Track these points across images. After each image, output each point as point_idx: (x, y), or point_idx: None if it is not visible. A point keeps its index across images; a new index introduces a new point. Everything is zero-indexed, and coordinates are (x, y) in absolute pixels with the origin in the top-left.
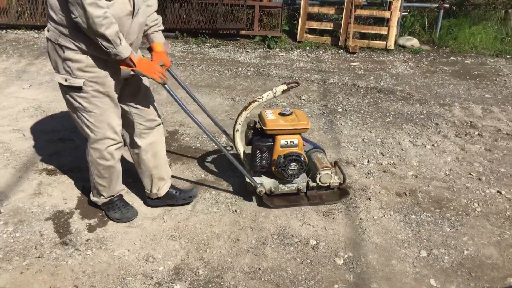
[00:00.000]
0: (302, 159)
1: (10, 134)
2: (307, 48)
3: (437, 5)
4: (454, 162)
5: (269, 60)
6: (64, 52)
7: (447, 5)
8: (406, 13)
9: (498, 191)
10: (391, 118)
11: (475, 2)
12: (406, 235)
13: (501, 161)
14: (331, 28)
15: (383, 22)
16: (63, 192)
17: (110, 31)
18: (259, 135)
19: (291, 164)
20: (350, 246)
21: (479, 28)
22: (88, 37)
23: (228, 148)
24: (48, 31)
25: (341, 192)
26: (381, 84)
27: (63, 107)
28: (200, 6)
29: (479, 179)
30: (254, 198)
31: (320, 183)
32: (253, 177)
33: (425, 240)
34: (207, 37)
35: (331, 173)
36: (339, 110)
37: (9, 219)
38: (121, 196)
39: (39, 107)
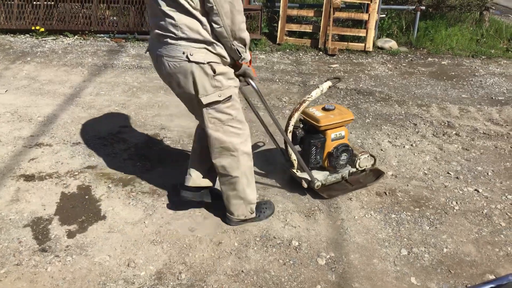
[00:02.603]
0: (350, 148)
1: None
2: (287, 50)
3: (414, 7)
4: (432, 161)
5: None
6: (214, 68)
7: (424, 7)
8: (384, 16)
9: (475, 189)
10: (370, 119)
11: (450, 4)
12: (387, 234)
13: (478, 160)
14: (311, 31)
15: (362, 24)
16: (41, 198)
17: (247, 35)
18: (310, 132)
19: (342, 154)
20: (332, 246)
21: (455, 29)
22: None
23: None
24: (192, 54)
25: (374, 172)
26: (360, 85)
27: (41, 112)
28: None
29: (457, 178)
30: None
31: (359, 168)
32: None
33: (405, 239)
34: None
35: (368, 156)
36: None
37: None
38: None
39: (15, 112)
